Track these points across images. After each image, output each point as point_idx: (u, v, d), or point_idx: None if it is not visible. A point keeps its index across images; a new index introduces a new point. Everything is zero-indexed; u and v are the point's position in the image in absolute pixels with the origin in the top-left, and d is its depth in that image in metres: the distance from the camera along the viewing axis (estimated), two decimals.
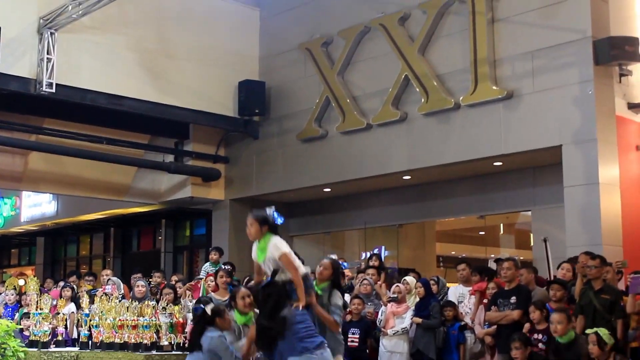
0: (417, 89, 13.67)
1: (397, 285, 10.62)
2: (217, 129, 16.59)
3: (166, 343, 8.92)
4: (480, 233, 17.71)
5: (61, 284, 12.98)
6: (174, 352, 8.93)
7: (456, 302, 10.60)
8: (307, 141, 15.43)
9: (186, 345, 8.90)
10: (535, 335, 8.64)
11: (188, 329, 9.12)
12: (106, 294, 9.84)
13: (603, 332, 7.80)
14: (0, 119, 14.88)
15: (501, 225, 17.24)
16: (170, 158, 16.87)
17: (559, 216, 12.13)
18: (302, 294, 6.96)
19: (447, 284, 11.47)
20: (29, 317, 9.93)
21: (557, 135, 11.97)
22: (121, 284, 11.73)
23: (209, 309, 7.45)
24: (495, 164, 13.29)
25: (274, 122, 16.26)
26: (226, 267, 10.93)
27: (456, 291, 10.85)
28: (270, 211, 7.55)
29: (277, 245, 7.15)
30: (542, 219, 13.37)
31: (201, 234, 19.09)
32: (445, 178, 14.49)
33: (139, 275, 12.33)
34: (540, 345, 8.55)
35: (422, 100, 13.58)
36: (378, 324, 10.49)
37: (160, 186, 17.56)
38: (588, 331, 7.95)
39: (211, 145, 16.95)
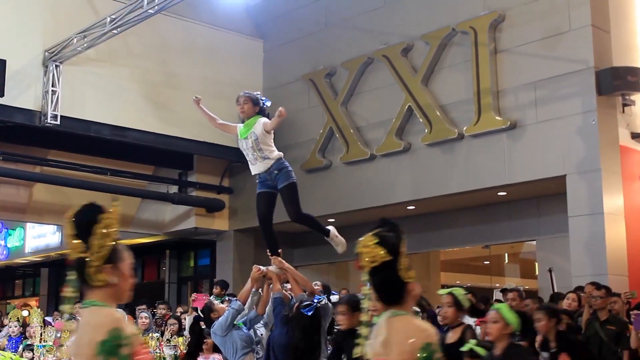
0: (421, 120, 13.70)
1: None
2: (220, 159, 16.63)
3: None
4: (485, 262, 17.73)
5: (66, 315, 12.94)
6: None
7: None
8: (311, 172, 15.45)
9: None
10: None
11: None
12: None
13: None
14: (5, 151, 14.93)
15: (506, 254, 17.25)
16: (174, 189, 16.90)
17: (564, 246, 12.12)
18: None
19: None
20: (32, 349, 9.90)
21: (561, 165, 11.97)
22: (125, 315, 11.68)
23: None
24: (500, 193, 13.30)
25: None
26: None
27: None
28: (259, 95, 7.76)
29: (264, 121, 7.48)
30: (547, 248, 13.34)
31: (205, 265, 19.07)
32: (449, 208, 14.49)
33: (144, 306, 12.30)
34: None
35: (426, 130, 13.61)
36: None
37: (164, 217, 17.57)
38: None
39: (215, 176, 16.99)
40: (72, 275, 3.40)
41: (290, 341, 6.86)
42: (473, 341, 6.42)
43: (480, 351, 6.29)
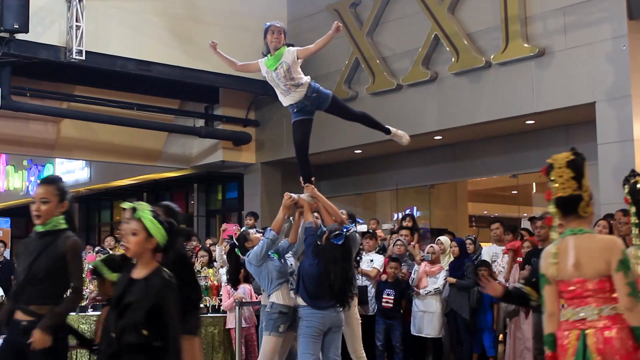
0: (448, 49, 13.53)
1: (432, 246, 10.65)
2: (246, 92, 16.57)
3: (202, 305, 9.02)
4: (513, 192, 17.64)
5: (97, 248, 13.15)
6: (209, 315, 9.04)
7: (490, 262, 10.61)
8: None
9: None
10: None
11: (223, 291, 9.22)
12: None
13: None
14: (32, 87, 14.99)
15: (534, 184, 17.13)
16: (200, 123, 16.91)
17: (593, 174, 11.86)
18: None
19: (481, 244, 11.48)
20: None
21: (590, 92, 11.81)
22: None
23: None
24: (528, 122, 13.17)
25: None
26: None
27: (490, 251, 10.86)
28: None
29: (294, 49, 7.57)
30: None
31: (233, 198, 19.18)
32: (476, 137, 14.39)
33: None
34: None
35: (453, 59, 13.45)
36: (411, 284, 10.53)
37: (192, 151, 17.64)
38: None
39: (241, 109, 16.96)
40: (552, 209, 4.46)
41: (321, 271, 6.90)
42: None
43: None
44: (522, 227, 12.72)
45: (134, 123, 16.00)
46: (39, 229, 4.94)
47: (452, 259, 10.62)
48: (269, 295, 7.27)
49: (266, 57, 7.45)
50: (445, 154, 15.20)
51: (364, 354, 7.86)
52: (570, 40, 12.06)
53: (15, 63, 13.66)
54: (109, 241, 14.04)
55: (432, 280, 10.41)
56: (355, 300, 7.61)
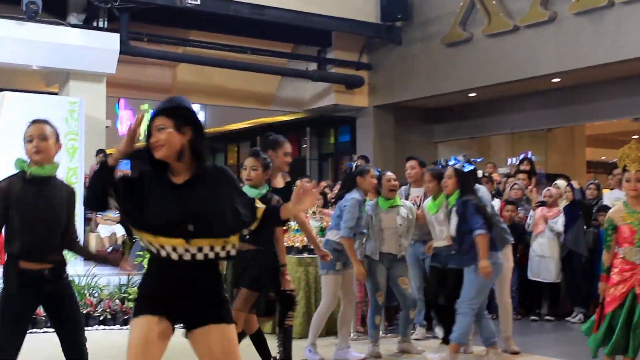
0: None
1: (549, 189, 10.42)
2: (359, 35, 16.48)
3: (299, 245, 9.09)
4: (634, 137, 17.05)
5: None
6: (307, 255, 9.10)
7: (612, 207, 10.30)
8: (452, 45, 15.10)
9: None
10: None
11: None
12: None
13: None
14: (149, 33, 15.28)
15: None
16: (313, 66, 16.93)
17: None
18: None
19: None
20: None
21: None
22: None
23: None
24: None
25: (417, 27, 15.97)
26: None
27: (612, 196, 10.54)
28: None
29: None
30: None
31: (345, 141, 19.20)
32: (596, 80, 13.91)
33: None
34: None
35: None
36: (527, 228, 10.36)
37: (304, 94, 17.71)
38: None
39: (354, 53, 16.88)
40: None
41: None
42: None
43: None
44: None
45: (248, 67, 16.15)
46: (36, 172, 4.66)
47: (566, 202, 10.41)
48: (328, 232, 7.43)
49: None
50: (563, 97, 14.77)
51: (510, 300, 7.82)
52: None
53: (133, 9, 13.95)
54: None
55: (549, 225, 10.20)
56: (509, 247, 7.71)
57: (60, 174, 4.92)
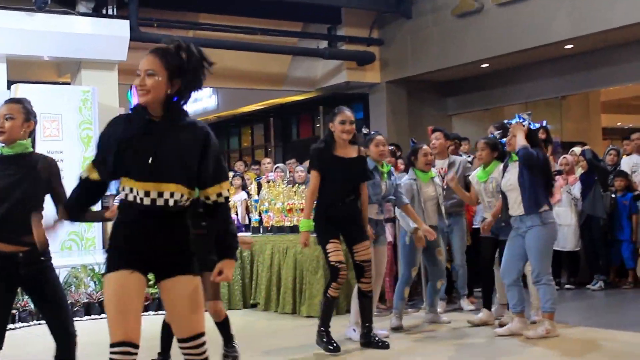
0: None
1: (565, 157, 10.39)
2: (369, 11, 16.39)
3: None
4: None
5: (231, 173, 13.44)
6: None
7: (629, 173, 10.28)
8: (462, 16, 14.99)
9: None
10: None
11: None
12: (273, 181, 10.11)
13: None
14: (159, 18, 15.25)
15: None
16: (324, 44, 16.86)
17: None
18: None
19: None
20: None
21: None
22: (287, 170, 12.03)
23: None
24: None
25: (427, 0, 15.87)
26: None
27: (630, 161, 10.51)
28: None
29: None
30: None
31: (359, 118, 19.12)
32: (610, 44, 13.76)
33: (293, 160, 12.73)
34: None
35: None
36: None
37: (316, 73, 17.66)
38: None
39: (364, 28, 16.80)
40: None
41: None
42: None
43: None
44: None
45: (258, 48, 16.11)
46: (6, 152, 4.63)
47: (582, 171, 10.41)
48: None
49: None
50: (577, 63, 14.64)
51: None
52: None
53: None
54: (239, 166, 14.33)
55: (567, 192, 10.17)
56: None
57: (76, 163, 4.93)
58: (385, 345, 6.89)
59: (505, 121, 8.09)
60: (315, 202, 6.96)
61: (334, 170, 6.76)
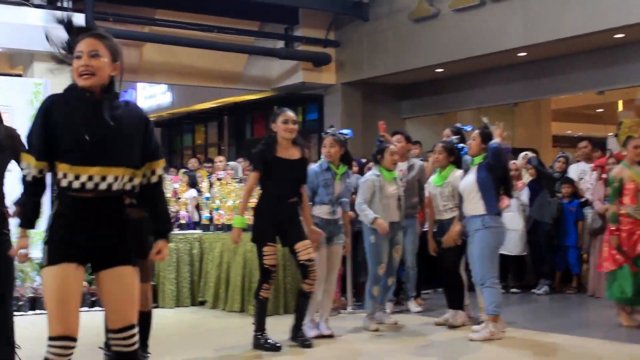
0: None
1: (514, 162, 10.53)
2: (326, 12, 16.44)
3: None
4: (598, 110, 17.25)
5: (182, 170, 13.39)
6: None
7: (577, 180, 10.46)
8: (419, 21, 15.11)
9: None
10: None
11: None
12: (224, 179, 10.10)
13: None
14: (115, 12, 15.13)
15: (620, 102, 16.71)
16: (280, 44, 16.87)
17: None
18: None
19: None
20: None
21: None
22: (240, 168, 12.02)
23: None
24: (617, 36, 12.71)
25: (384, 3, 15.96)
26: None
27: (577, 168, 10.70)
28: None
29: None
30: None
31: (313, 119, 19.20)
32: (562, 53, 13.98)
33: (241, 159, 12.84)
34: None
35: None
36: None
37: (272, 72, 17.66)
38: None
39: (321, 30, 16.84)
40: None
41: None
42: None
43: None
44: (608, 146, 12.43)
45: (215, 46, 16.06)
46: None
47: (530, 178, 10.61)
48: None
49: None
50: (529, 71, 14.86)
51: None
52: None
53: None
54: (193, 162, 14.31)
55: (514, 199, 10.31)
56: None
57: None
58: (306, 345, 6.94)
59: (458, 125, 8.24)
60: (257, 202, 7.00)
61: (277, 171, 6.76)
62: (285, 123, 6.75)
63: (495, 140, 7.20)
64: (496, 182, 7.26)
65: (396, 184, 8.03)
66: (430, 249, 8.27)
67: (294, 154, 6.82)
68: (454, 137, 8.34)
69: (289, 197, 6.79)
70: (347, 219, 7.87)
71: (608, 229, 7.87)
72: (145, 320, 5.62)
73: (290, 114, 6.84)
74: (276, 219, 6.77)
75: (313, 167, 7.64)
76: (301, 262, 6.76)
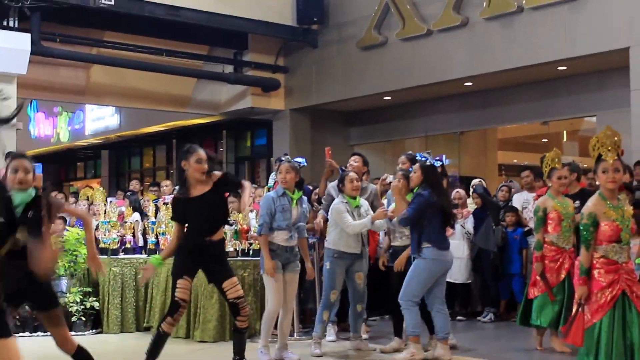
0: None
1: (458, 191, 10.65)
2: (275, 38, 16.51)
3: (231, 249, 9.11)
4: (543, 140, 17.48)
5: (128, 192, 13.31)
6: (239, 258, 9.12)
7: (520, 209, 10.59)
8: (367, 49, 15.26)
9: (251, 252, 9.14)
10: None
11: (251, 234, 9.30)
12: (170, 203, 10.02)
13: None
14: (62, 33, 15.00)
15: (564, 132, 16.98)
16: (229, 69, 16.88)
17: (625, 120, 11.85)
18: None
19: None
20: (97, 227, 10.16)
21: (624, 37, 11.60)
22: None
23: None
24: (560, 68, 13.00)
25: (333, 30, 16.09)
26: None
27: (520, 197, 10.83)
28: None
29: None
30: (607, 123, 12.97)
31: (262, 144, 19.20)
32: (507, 84, 14.23)
33: None
34: None
35: (484, 4, 13.25)
36: None
37: (220, 97, 17.64)
38: None
39: (270, 55, 16.89)
40: None
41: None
42: None
43: None
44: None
45: (163, 69, 16.01)
46: None
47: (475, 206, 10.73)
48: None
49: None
50: (475, 101, 15.08)
51: None
52: None
53: (45, 8, 13.67)
54: (134, 184, 14.31)
55: (459, 225, 10.41)
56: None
57: None
58: None
59: (409, 152, 8.36)
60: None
61: (191, 212, 6.64)
62: (199, 163, 6.61)
63: (400, 215, 7.45)
64: (433, 218, 7.44)
65: (358, 211, 8.03)
66: (380, 263, 8.45)
67: (205, 187, 6.70)
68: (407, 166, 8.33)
69: (209, 234, 6.66)
70: (305, 244, 7.85)
71: (534, 256, 8.07)
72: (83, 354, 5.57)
73: (202, 152, 6.70)
74: (199, 257, 6.65)
75: (269, 193, 7.74)
76: (230, 300, 6.66)
